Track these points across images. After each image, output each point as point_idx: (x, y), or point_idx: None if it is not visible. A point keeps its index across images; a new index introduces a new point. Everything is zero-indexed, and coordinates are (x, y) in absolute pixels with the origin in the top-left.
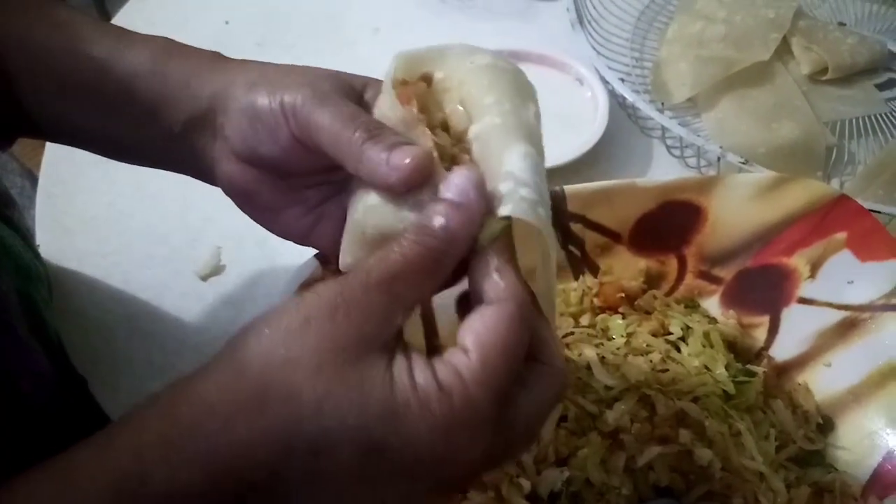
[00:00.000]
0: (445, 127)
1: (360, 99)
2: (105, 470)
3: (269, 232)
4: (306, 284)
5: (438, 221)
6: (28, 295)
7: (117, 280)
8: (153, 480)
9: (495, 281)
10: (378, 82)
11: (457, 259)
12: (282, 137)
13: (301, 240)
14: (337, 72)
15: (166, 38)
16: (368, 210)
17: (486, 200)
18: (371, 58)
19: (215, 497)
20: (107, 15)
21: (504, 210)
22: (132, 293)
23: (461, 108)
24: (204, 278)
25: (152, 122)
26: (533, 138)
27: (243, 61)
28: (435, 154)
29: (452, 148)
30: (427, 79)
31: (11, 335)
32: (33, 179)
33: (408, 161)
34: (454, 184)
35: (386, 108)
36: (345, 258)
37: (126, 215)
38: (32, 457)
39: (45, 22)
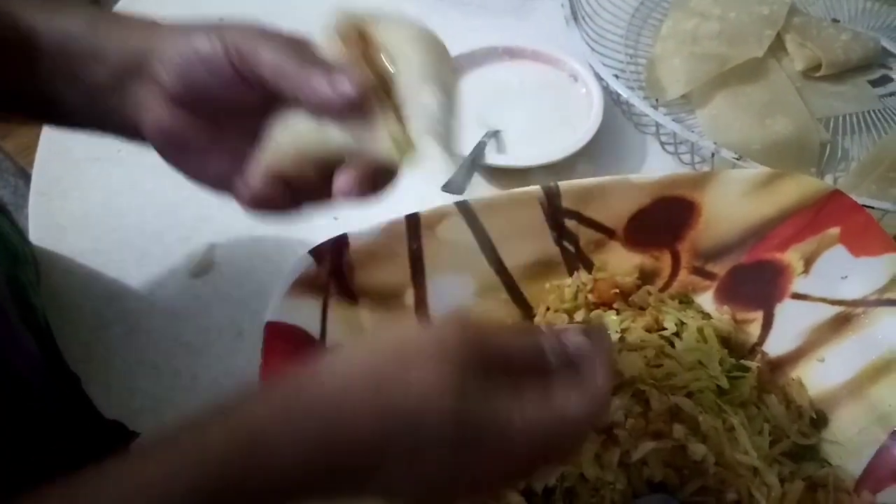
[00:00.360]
0: (377, 75)
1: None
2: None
3: (262, 230)
4: (300, 281)
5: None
6: (16, 277)
7: (111, 278)
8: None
9: None
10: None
11: None
12: (222, 72)
13: (220, 185)
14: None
15: (95, 8)
16: (289, 129)
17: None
18: None
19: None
20: None
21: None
22: (126, 291)
23: (388, 62)
24: (197, 275)
25: (81, 78)
26: (445, 87)
27: (183, 25)
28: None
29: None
30: (364, 36)
31: (2, 318)
32: (26, 178)
33: (352, 85)
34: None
35: (329, 52)
36: (255, 178)
37: (119, 213)
38: (32, 444)
39: None
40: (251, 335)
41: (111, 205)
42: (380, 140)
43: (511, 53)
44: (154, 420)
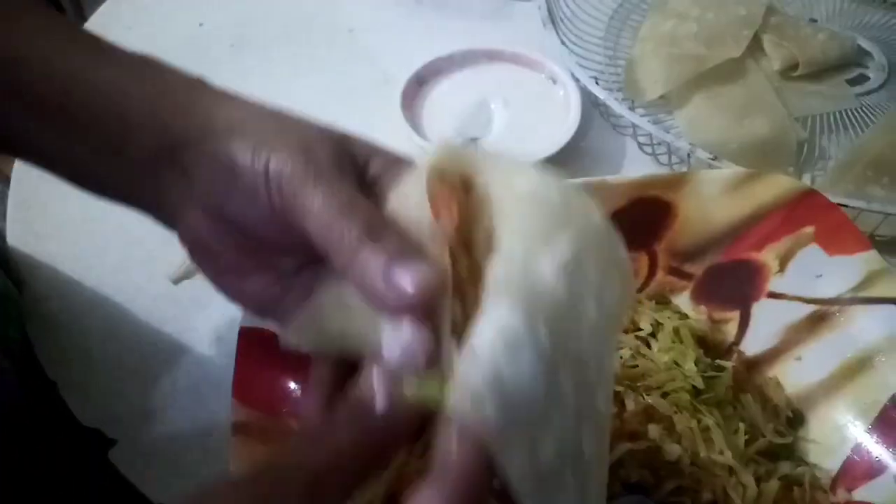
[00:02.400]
0: (468, 246)
1: (362, 174)
2: None
3: None
4: None
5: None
6: None
7: (90, 284)
8: None
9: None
10: (385, 154)
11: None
12: (260, 206)
13: (264, 312)
14: (338, 135)
15: (146, 56)
16: (340, 307)
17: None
18: (346, 59)
19: None
20: (83, 16)
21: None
22: (105, 297)
23: (487, 235)
24: (176, 282)
25: (118, 150)
26: (534, 298)
27: (225, 93)
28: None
29: (465, 282)
30: (467, 185)
31: None
32: (9, 183)
33: (412, 287)
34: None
35: (411, 201)
36: (292, 337)
37: (99, 220)
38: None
39: (21, 25)
40: (230, 341)
41: (90, 211)
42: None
43: (490, 56)
44: (133, 427)
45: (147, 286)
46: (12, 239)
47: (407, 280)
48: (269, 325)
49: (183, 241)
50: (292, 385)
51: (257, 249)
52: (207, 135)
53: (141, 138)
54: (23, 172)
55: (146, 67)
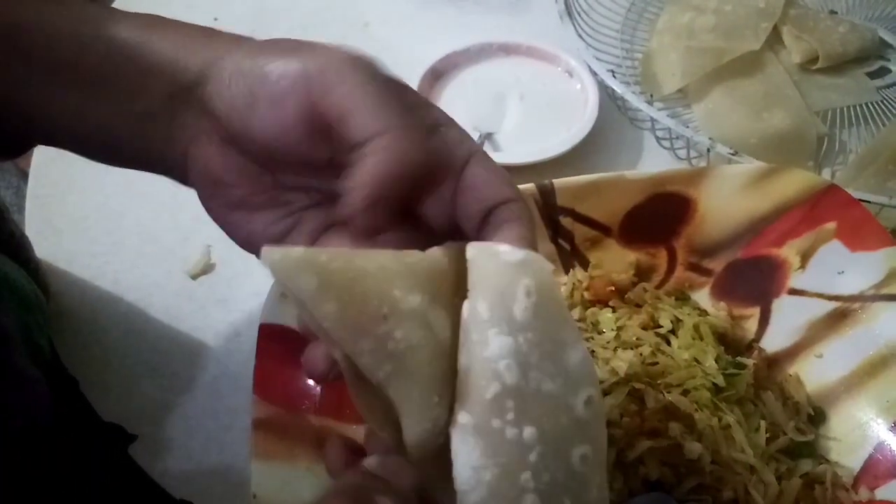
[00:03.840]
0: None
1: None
2: None
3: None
4: None
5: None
6: (26, 324)
7: (108, 280)
8: None
9: None
10: (419, 96)
11: None
12: (286, 111)
13: (255, 247)
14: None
15: (153, 14)
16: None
17: None
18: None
19: None
20: None
21: None
22: (123, 292)
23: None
24: (194, 277)
25: (131, 100)
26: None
27: (242, 36)
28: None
29: None
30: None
31: (11, 371)
32: (27, 179)
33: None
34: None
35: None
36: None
37: (117, 215)
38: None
39: None
40: (249, 337)
41: (108, 207)
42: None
43: (506, 50)
44: (153, 422)
45: (165, 282)
46: (30, 232)
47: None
48: (289, 321)
49: (194, 179)
50: (311, 382)
51: (269, 181)
52: (228, 61)
53: (157, 83)
54: (41, 167)
55: (158, 22)
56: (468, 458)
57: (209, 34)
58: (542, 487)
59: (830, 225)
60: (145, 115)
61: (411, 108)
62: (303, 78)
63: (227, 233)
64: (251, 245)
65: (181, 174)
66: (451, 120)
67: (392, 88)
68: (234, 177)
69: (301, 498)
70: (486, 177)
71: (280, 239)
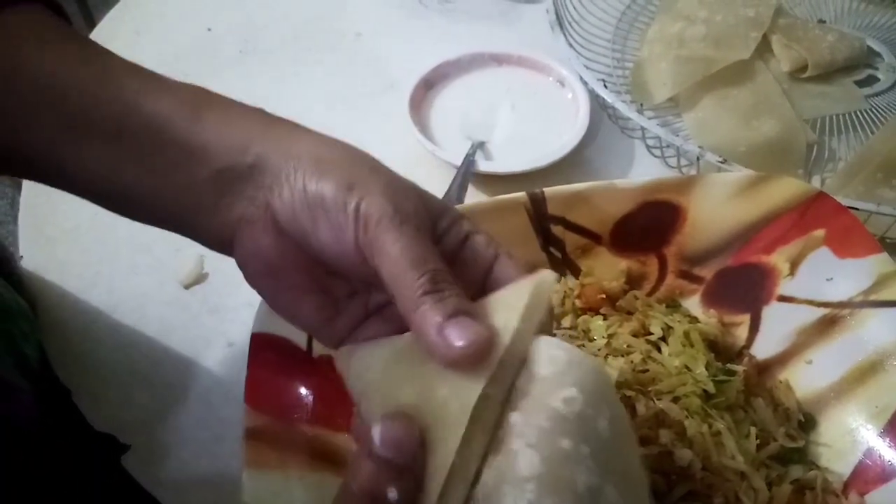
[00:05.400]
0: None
1: (434, 226)
2: None
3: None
4: None
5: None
6: (8, 332)
7: (101, 290)
8: None
9: None
10: (453, 212)
11: None
12: (343, 239)
13: (312, 329)
14: (420, 189)
15: (199, 87)
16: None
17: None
18: (353, 63)
19: None
20: (91, 22)
21: None
22: (116, 303)
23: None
24: (187, 287)
25: (175, 170)
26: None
27: (295, 125)
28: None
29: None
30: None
31: None
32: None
33: (462, 343)
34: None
35: (504, 305)
36: (338, 362)
37: (109, 225)
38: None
39: (70, 56)
40: (242, 346)
41: (100, 217)
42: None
43: (498, 59)
44: (146, 432)
45: (157, 292)
46: (24, 242)
47: (457, 335)
48: (281, 331)
49: (241, 257)
50: (304, 391)
51: (320, 272)
52: (292, 167)
53: (208, 159)
54: None
55: (205, 95)
56: None
57: (262, 118)
58: None
59: (819, 232)
60: (187, 187)
61: (442, 235)
62: (358, 218)
63: (267, 302)
64: (291, 319)
65: (216, 244)
66: (476, 228)
67: (424, 235)
68: (285, 263)
69: None
70: (510, 273)
71: (325, 323)
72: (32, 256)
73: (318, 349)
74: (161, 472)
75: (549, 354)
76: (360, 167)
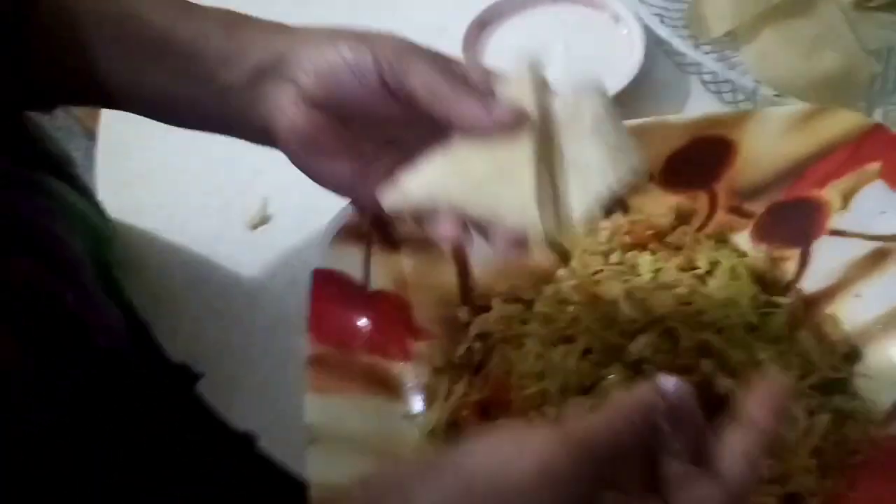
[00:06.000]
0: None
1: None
2: None
3: (314, 184)
4: (344, 231)
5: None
6: (100, 257)
7: (174, 230)
8: None
9: None
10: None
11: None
12: (369, 82)
13: (345, 191)
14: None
15: (228, 10)
16: (438, 174)
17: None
18: (405, 5)
19: None
20: None
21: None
22: (188, 242)
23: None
24: (253, 227)
25: (215, 78)
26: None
27: (318, 27)
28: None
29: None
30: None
31: (85, 293)
32: (94, 139)
33: (508, 110)
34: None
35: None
36: (393, 197)
37: (180, 169)
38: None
39: None
40: (304, 283)
41: (171, 162)
42: (525, 212)
43: None
44: (217, 363)
45: (225, 232)
46: (101, 187)
47: (502, 108)
48: (339, 266)
49: (281, 136)
50: (360, 322)
51: (349, 135)
52: (312, 46)
53: (242, 62)
54: (108, 127)
55: (234, 13)
56: None
57: (282, 25)
58: None
59: (874, 165)
60: (229, 88)
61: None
62: (377, 59)
63: (309, 175)
64: (332, 185)
65: (258, 135)
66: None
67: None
68: (315, 130)
69: (352, 427)
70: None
71: (362, 181)
72: (109, 200)
73: (374, 283)
74: (231, 399)
75: (559, 105)
76: (368, 32)
